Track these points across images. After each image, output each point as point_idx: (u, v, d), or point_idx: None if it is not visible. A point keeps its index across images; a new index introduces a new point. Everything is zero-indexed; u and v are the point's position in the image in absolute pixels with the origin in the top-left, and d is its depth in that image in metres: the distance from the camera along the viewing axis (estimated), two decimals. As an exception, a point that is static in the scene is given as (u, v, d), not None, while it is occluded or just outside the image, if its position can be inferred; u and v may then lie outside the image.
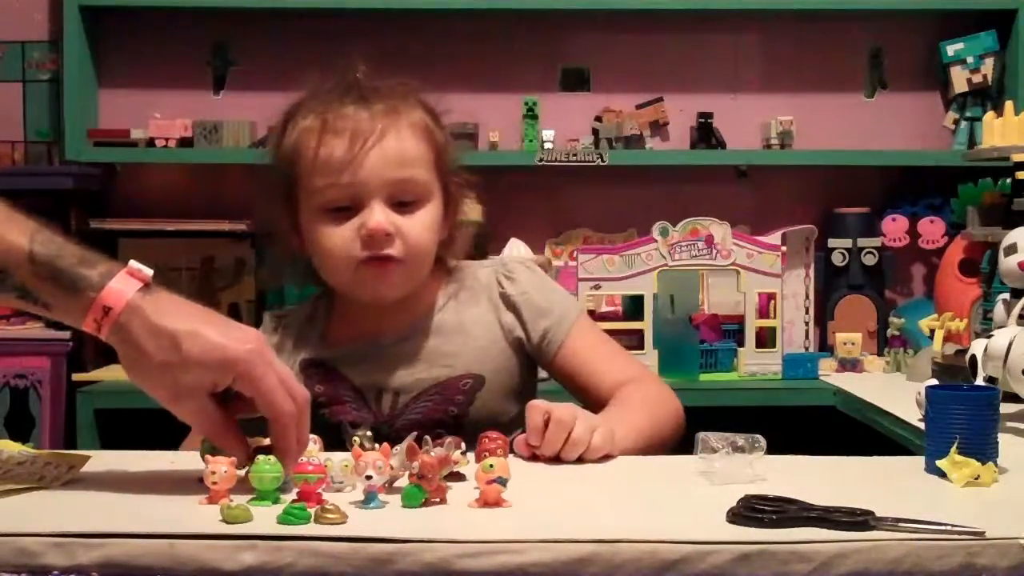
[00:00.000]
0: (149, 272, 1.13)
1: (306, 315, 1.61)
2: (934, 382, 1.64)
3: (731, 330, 2.56)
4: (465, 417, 1.50)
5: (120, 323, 1.11)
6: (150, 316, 1.11)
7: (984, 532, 0.97)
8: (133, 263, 1.13)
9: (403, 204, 1.48)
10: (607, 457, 1.32)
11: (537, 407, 1.31)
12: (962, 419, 1.21)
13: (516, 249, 2.60)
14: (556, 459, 1.30)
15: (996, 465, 1.19)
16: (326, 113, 1.49)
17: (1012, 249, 1.72)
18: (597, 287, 2.47)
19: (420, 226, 1.49)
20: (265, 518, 1.01)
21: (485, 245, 2.44)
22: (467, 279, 1.59)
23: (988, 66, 2.84)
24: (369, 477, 1.06)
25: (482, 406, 1.51)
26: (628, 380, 1.54)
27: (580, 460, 1.30)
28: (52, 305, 1.12)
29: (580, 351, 1.56)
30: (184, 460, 1.24)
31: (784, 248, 2.53)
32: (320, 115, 1.49)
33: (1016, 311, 1.61)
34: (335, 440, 1.33)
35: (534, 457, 1.31)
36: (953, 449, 1.18)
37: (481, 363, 1.53)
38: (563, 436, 1.29)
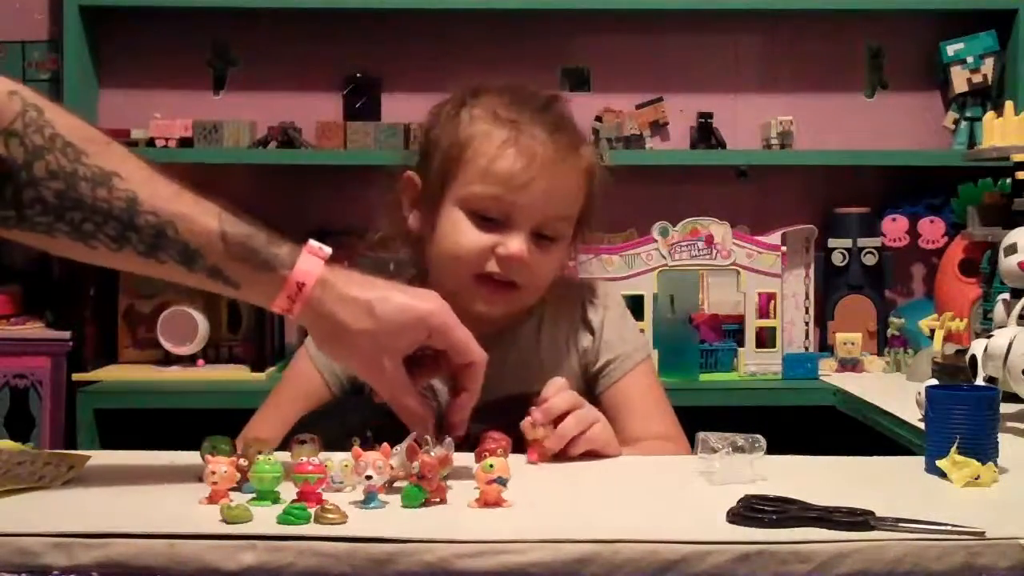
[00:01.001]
0: (328, 249, 1.17)
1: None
2: (934, 382, 1.64)
3: (731, 330, 2.56)
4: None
5: (313, 298, 1.14)
6: (341, 288, 1.16)
7: (984, 532, 0.97)
8: (312, 242, 1.17)
9: (542, 237, 1.47)
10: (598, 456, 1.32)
11: (561, 389, 1.32)
12: (962, 419, 1.21)
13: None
14: (556, 457, 1.30)
15: (996, 465, 1.19)
16: (518, 125, 1.46)
17: (1012, 249, 1.73)
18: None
19: (551, 264, 1.50)
20: (265, 518, 1.01)
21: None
22: (554, 297, 1.58)
23: (988, 66, 2.84)
24: (369, 477, 1.06)
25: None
26: (659, 436, 1.53)
27: (580, 454, 1.31)
28: (243, 284, 1.15)
29: (631, 394, 1.55)
30: (184, 460, 1.24)
31: (784, 248, 2.53)
32: (511, 124, 1.46)
33: (1016, 311, 1.61)
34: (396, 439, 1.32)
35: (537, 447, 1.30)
36: (953, 449, 1.18)
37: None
38: (578, 430, 1.30)
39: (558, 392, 1.32)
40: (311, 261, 1.16)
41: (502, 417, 1.48)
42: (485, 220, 1.46)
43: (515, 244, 1.44)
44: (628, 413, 1.53)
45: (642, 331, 2.46)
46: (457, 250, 1.46)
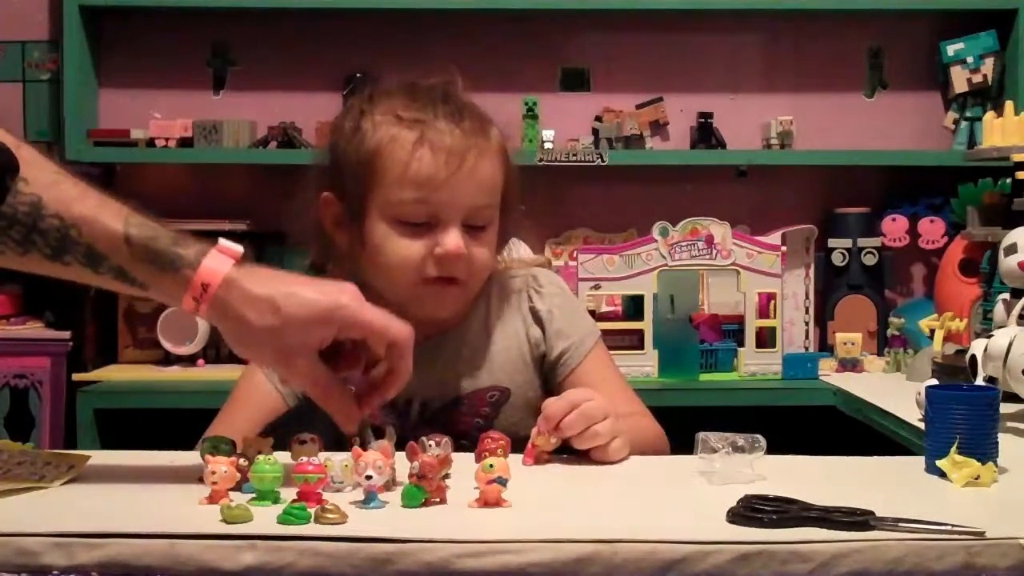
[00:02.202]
0: (239, 248, 1.17)
1: None
2: (934, 382, 1.64)
3: (731, 330, 2.56)
4: (490, 430, 1.49)
5: (218, 297, 1.14)
6: (246, 286, 1.15)
7: (984, 532, 0.97)
8: (223, 241, 1.17)
9: (473, 227, 1.46)
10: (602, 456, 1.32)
11: (563, 399, 1.31)
12: (962, 419, 1.21)
13: (516, 249, 2.60)
14: (559, 453, 1.30)
15: (996, 465, 1.19)
16: (422, 124, 1.44)
17: (1012, 249, 1.73)
18: (597, 287, 2.47)
19: (487, 251, 1.49)
20: (265, 518, 1.01)
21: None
22: (497, 288, 1.58)
23: (988, 66, 2.84)
24: (369, 477, 1.06)
25: (505, 419, 1.50)
26: (627, 415, 1.51)
27: (587, 455, 1.30)
28: (149, 285, 1.15)
29: (592, 378, 1.54)
30: (184, 460, 1.24)
31: (784, 248, 2.53)
32: (416, 124, 1.44)
33: (1016, 311, 1.61)
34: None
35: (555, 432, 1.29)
36: (953, 449, 1.19)
37: (509, 376, 1.53)
38: (584, 425, 1.29)
39: (557, 401, 1.31)
40: (219, 260, 1.14)
41: (461, 416, 1.50)
42: (414, 226, 1.44)
43: (451, 241, 1.43)
44: None
45: (640, 330, 2.47)
46: (394, 262, 1.45)
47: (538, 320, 1.56)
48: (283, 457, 1.16)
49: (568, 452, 1.31)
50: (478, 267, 1.47)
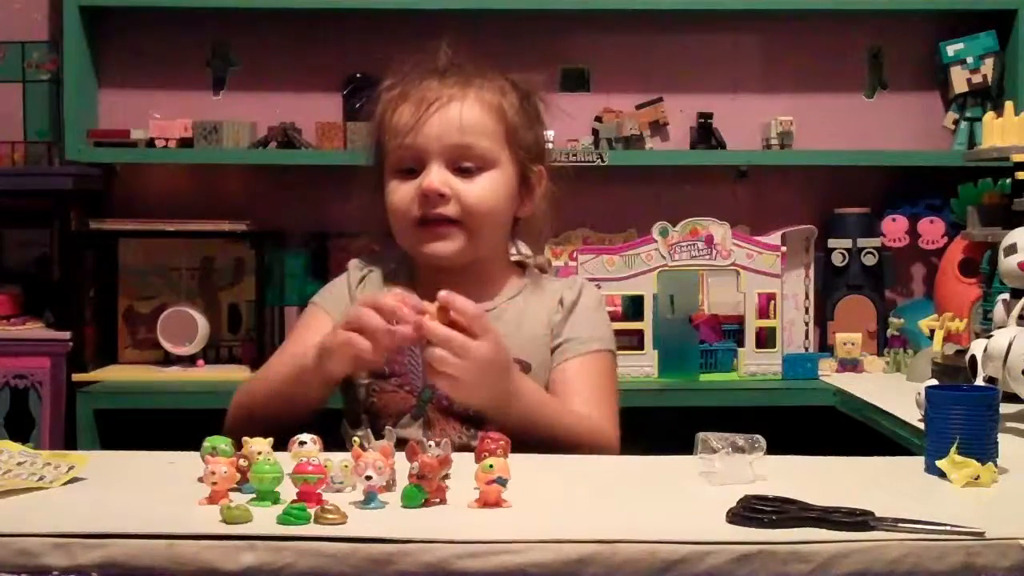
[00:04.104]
0: None
1: (388, 271, 1.65)
2: (934, 382, 1.65)
3: (731, 330, 2.56)
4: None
5: None
6: None
7: (984, 532, 0.97)
8: None
9: (465, 170, 1.54)
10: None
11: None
12: (962, 419, 1.21)
13: (517, 250, 2.60)
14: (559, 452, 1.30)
15: (996, 465, 1.19)
16: (410, 82, 1.58)
17: (1012, 249, 1.73)
18: (597, 287, 2.47)
19: (479, 189, 1.54)
20: (265, 518, 1.01)
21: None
22: (538, 282, 1.65)
23: (988, 66, 2.84)
24: (369, 477, 1.06)
25: None
26: (590, 415, 1.53)
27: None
28: None
29: (574, 376, 1.57)
30: (184, 460, 1.24)
31: (784, 248, 2.53)
32: (404, 84, 1.59)
33: (1016, 311, 1.61)
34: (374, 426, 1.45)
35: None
36: (953, 449, 1.19)
37: (531, 353, 1.56)
38: (457, 342, 1.35)
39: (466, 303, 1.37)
40: None
41: None
42: (408, 173, 1.55)
43: (427, 179, 1.52)
44: (566, 393, 1.54)
45: (640, 330, 2.47)
46: (392, 208, 1.56)
47: (562, 307, 1.61)
48: (283, 457, 1.16)
49: (568, 452, 1.32)
50: (471, 204, 1.54)
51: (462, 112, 1.54)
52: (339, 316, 1.58)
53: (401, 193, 1.55)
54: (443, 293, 1.37)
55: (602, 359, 1.60)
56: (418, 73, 1.59)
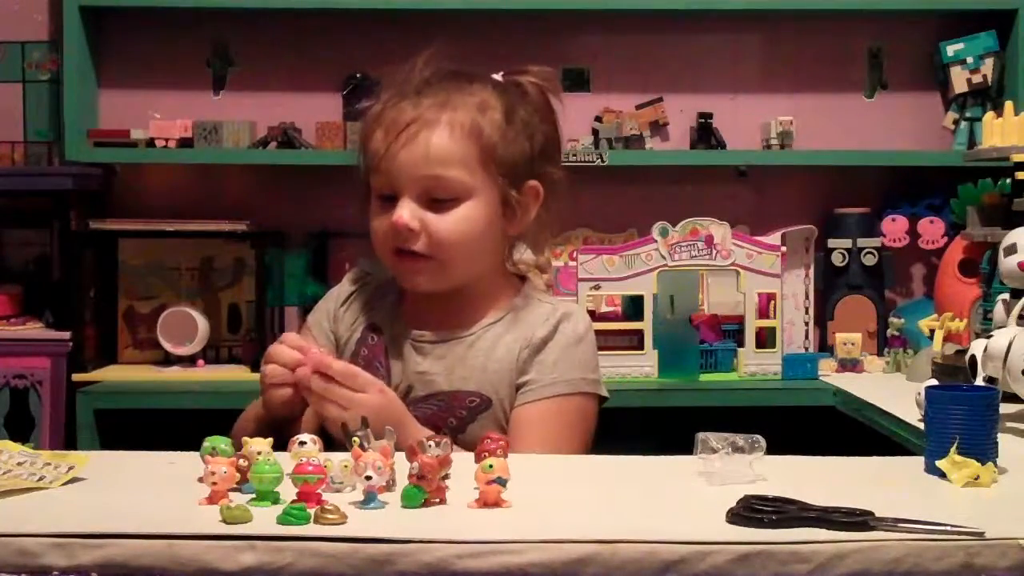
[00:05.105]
0: None
1: (385, 280, 1.63)
2: (934, 382, 1.64)
3: (731, 330, 2.56)
4: (461, 432, 1.49)
5: None
6: None
7: (984, 532, 0.97)
8: None
9: (439, 201, 1.48)
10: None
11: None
12: (962, 419, 1.21)
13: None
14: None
15: (996, 465, 1.19)
16: (388, 102, 1.52)
17: (1012, 249, 1.72)
18: (597, 287, 2.47)
19: (451, 223, 1.48)
20: (265, 518, 1.01)
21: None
22: (524, 310, 1.57)
23: (988, 66, 2.84)
24: (369, 477, 1.06)
25: (480, 428, 1.49)
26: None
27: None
28: None
29: (532, 421, 1.50)
30: (184, 460, 1.24)
31: (784, 248, 2.53)
32: (383, 104, 1.53)
33: (1016, 311, 1.61)
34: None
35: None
36: (953, 449, 1.19)
37: (494, 388, 1.52)
38: (341, 395, 1.38)
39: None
40: None
41: (436, 411, 1.52)
42: (384, 200, 1.50)
43: (396, 213, 1.48)
44: (519, 437, 1.46)
45: (640, 330, 2.47)
46: (372, 234, 1.53)
47: (532, 345, 1.53)
48: (283, 457, 1.16)
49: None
50: (441, 239, 1.48)
51: (431, 142, 1.47)
52: (322, 337, 1.60)
53: (379, 222, 1.51)
54: (316, 359, 1.39)
55: (565, 403, 1.51)
56: (396, 91, 1.53)
